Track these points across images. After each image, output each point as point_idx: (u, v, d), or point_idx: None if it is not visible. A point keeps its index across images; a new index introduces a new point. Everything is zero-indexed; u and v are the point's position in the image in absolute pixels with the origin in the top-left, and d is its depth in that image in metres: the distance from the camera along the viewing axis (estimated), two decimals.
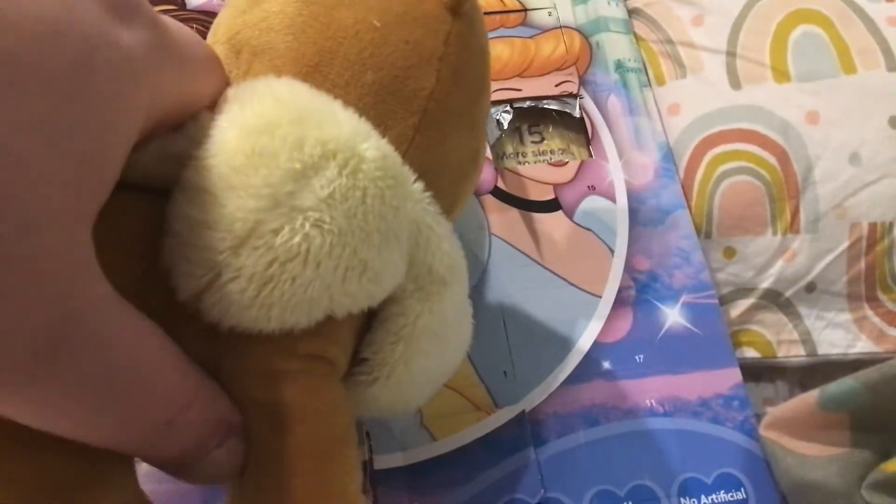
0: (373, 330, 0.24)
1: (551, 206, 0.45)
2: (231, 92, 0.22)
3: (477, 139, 0.29)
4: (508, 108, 0.48)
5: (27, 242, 0.13)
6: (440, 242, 0.25)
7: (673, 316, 0.42)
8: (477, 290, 0.41)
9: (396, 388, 0.25)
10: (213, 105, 0.22)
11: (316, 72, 0.23)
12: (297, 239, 0.19)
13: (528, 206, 0.44)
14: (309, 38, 0.24)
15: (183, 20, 0.28)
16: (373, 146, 0.21)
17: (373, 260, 0.21)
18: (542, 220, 0.44)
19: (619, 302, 0.42)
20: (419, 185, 0.24)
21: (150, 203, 0.20)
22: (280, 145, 0.19)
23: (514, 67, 0.49)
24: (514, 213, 0.44)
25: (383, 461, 0.37)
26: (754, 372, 0.43)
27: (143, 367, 0.18)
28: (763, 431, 0.38)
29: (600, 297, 0.42)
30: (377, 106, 0.24)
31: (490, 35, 0.50)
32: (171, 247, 0.19)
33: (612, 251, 0.43)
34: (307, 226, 0.19)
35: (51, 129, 0.13)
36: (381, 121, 0.24)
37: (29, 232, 0.13)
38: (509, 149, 0.47)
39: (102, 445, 0.18)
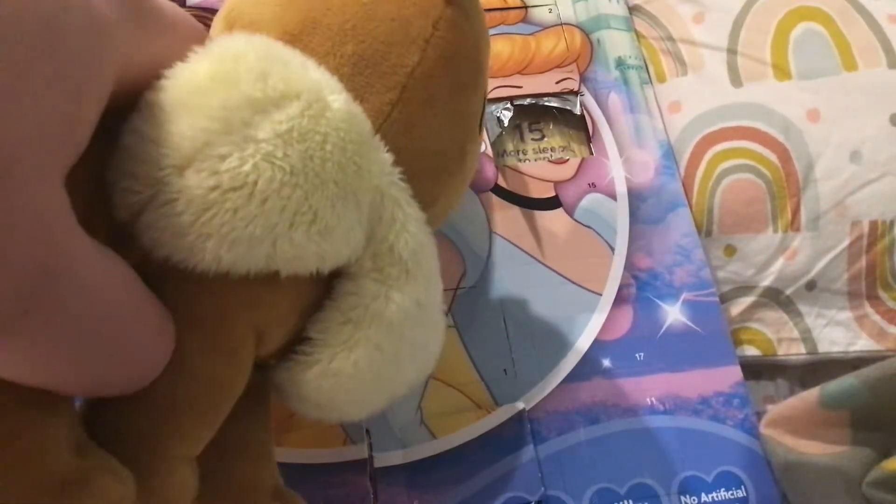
0: (323, 308, 0.23)
1: (552, 203, 0.44)
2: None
3: (464, 135, 0.28)
4: (509, 105, 0.48)
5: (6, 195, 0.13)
6: (406, 223, 0.24)
7: (673, 314, 0.42)
8: (477, 287, 0.41)
9: (335, 379, 0.23)
10: None
11: (296, 40, 0.23)
12: (245, 168, 0.18)
13: (528, 204, 0.44)
14: (295, 8, 0.24)
15: None
16: (341, 99, 0.21)
17: (325, 211, 0.20)
18: (543, 217, 0.44)
19: (619, 300, 0.42)
20: (389, 159, 0.24)
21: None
22: (244, 74, 0.19)
23: (515, 64, 0.49)
24: (514, 211, 0.44)
25: (383, 459, 0.37)
26: (755, 370, 0.43)
27: (126, 313, 0.17)
28: (763, 429, 0.38)
29: (600, 294, 0.42)
30: (354, 77, 0.24)
31: (491, 32, 0.50)
32: (116, 162, 0.19)
33: (612, 249, 0.43)
34: (258, 156, 0.19)
35: (21, 85, 0.13)
36: (358, 93, 0.24)
37: (1, 187, 0.13)
38: (510, 146, 0.47)
39: (86, 395, 0.18)
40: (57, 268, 0.15)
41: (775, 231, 0.44)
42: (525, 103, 0.48)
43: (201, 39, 0.21)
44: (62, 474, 0.17)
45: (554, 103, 0.48)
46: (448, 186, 0.29)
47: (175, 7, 0.21)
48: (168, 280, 0.19)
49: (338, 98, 0.21)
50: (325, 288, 0.23)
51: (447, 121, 0.27)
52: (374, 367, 0.23)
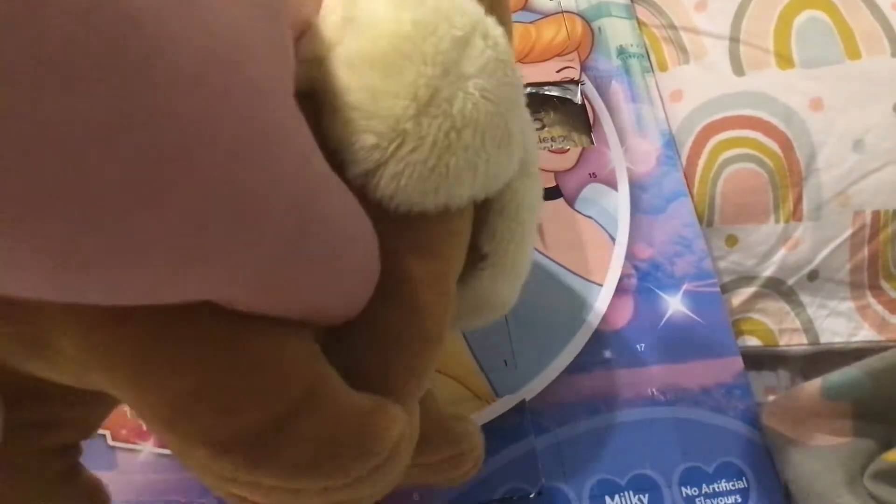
0: (488, 222, 0.25)
1: (552, 193, 0.44)
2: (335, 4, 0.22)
3: (512, 34, 0.30)
4: None
5: (268, 106, 0.13)
6: (529, 121, 0.26)
7: (674, 304, 0.42)
8: None
9: (516, 278, 0.26)
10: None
11: None
12: (469, 106, 0.20)
13: None
14: None
15: None
16: (493, 21, 0.22)
17: (514, 129, 0.22)
18: (543, 207, 0.43)
19: (620, 290, 0.42)
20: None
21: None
22: (436, 15, 0.20)
23: (515, 53, 0.48)
24: None
25: None
26: (756, 360, 0.43)
27: (359, 231, 0.19)
28: (765, 420, 0.38)
29: (601, 285, 0.42)
30: None
31: None
32: (347, 121, 0.19)
33: (613, 239, 0.43)
34: (476, 93, 0.20)
35: (244, 3, 0.13)
36: None
37: (267, 97, 0.13)
38: None
39: (315, 318, 0.19)
40: (319, 185, 0.16)
41: (777, 221, 0.44)
42: (525, 92, 0.48)
43: None
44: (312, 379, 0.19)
45: (555, 92, 0.48)
46: None
47: None
48: (385, 221, 0.20)
49: (491, 21, 0.22)
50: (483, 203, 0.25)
51: (509, 20, 0.28)
52: (527, 254, 0.27)
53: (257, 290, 0.16)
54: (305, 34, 0.21)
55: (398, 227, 0.21)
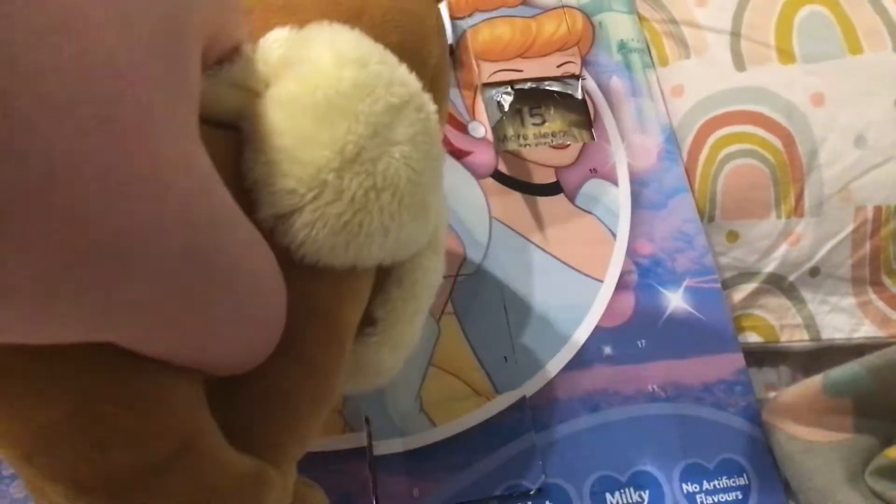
0: (386, 290, 0.25)
1: (553, 189, 0.44)
2: (286, 33, 0.22)
3: (444, 124, 0.31)
4: (509, 89, 0.47)
5: (150, 146, 0.13)
6: (444, 201, 0.26)
7: (675, 300, 0.41)
8: (477, 274, 0.41)
9: (401, 350, 0.26)
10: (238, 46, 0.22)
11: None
12: (391, 170, 0.20)
13: (529, 190, 0.44)
14: None
15: None
16: (429, 98, 0.22)
17: (432, 202, 0.22)
18: (544, 203, 0.44)
19: (620, 286, 0.41)
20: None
21: (214, 130, 0.20)
22: (376, 79, 0.20)
23: (516, 48, 0.48)
24: (514, 197, 0.44)
25: (383, 447, 0.36)
26: (757, 357, 0.43)
27: (265, 279, 0.18)
28: (766, 417, 0.38)
29: (602, 281, 0.42)
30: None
31: (491, 14, 0.49)
32: (268, 162, 0.19)
33: (613, 235, 0.43)
34: (400, 158, 0.20)
35: (138, 30, 0.13)
36: None
37: (151, 136, 0.13)
38: (510, 131, 0.47)
39: (223, 366, 0.18)
40: (214, 226, 0.15)
41: (778, 217, 0.43)
42: (526, 87, 0.48)
43: (244, 12, 0.22)
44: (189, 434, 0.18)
45: (555, 87, 0.48)
46: None
47: None
48: (290, 271, 0.20)
49: (428, 98, 0.22)
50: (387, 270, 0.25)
51: (445, 113, 0.29)
52: (420, 327, 0.26)
53: (143, 335, 0.15)
54: (236, 58, 0.21)
55: (301, 280, 0.20)
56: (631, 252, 0.43)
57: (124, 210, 0.12)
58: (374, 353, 0.25)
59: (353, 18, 0.24)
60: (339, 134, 0.19)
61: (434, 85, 0.26)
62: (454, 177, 0.43)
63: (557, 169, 0.45)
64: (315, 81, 0.20)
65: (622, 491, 0.37)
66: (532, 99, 0.48)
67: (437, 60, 0.26)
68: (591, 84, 0.48)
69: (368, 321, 0.25)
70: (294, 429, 0.21)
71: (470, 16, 0.49)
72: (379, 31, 0.24)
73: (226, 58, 0.20)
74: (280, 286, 0.19)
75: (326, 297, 0.21)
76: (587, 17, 0.50)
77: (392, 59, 0.22)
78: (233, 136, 0.20)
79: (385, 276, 0.25)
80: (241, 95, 0.20)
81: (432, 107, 0.22)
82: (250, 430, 0.20)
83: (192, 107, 0.15)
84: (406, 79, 0.21)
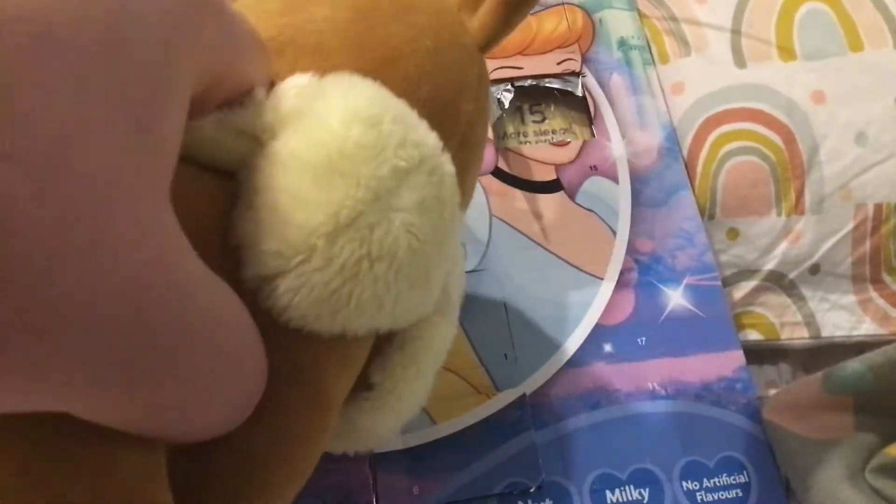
0: (385, 354, 0.23)
1: (553, 186, 0.44)
2: (305, 80, 0.20)
3: (477, 174, 0.29)
4: (509, 86, 0.47)
5: (95, 216, 0.12)
6: (460, 263, 0.25)
7: (675, 298, 0.41)
8: (477, 271, 0.41)
9: (397, 414, 0.24)
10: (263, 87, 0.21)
11: (375, 79, 0.22)
12: (390, 238, 0.19)
13: (529, 187, 0.44)
14: (366, 44, 0.23)
15: None
16: (447, 160, 0.21)
17: (435, 272, 0.21)
18: (544, 200, 0.43)
19: (621, 284, 0.41)
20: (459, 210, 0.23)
21: (213, 178, 0.19)
22: (385, 141, 0.19)
23: (515, 45, 0.48)
24: (515, 194, 0.43)
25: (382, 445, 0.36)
26: (757, 354, 0.43)
27: (239, 346, 0.17)
28: (766, 414, 0.38)
29: (602, 278, 0.42)
30: (430, 121, 0.22)
31: None
32: (258, 219, 0.18)
33: (614, 232, 0.43)
34: (401, 226, 0.19)
35: (95, 88, 0.12)
36: None
37: (97, 204, 0.12)
38: (510, 128, 0.47)
39: (189, 437, 0.17)
40: (174, 293, 0.14)
41: (779, 214, 0.43)
42: (526, 85, 0.47)
43: (265, 50, 0.21)
44: None
45: (555, 84, 0.48)
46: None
47: (239, 11, 0.19)
48: (271, 335, 0.19)
49: (446, 159, 0.21)
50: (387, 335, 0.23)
51: (477, 163, 0.28)
52: (423, 392, 0.25)
53: (87, 412, 0.14)
54: (248, 101, 0.19)
55: (284, 344, 0.19)
56: (631, 249, 0.42)
57: (59, 283, 0.11)
58: (369, 419, 0.24)
59: (384, 67, 0.23)
60: (336, 197, 0.18)
61: (465, 140, 0.25)
62: None
63: (558, 166, 0.45)
64: (319, 138, 0.19)
65: (622, 489, 0.37)
66: (532, 96, 0.48)
67: (471, 115, 0.25)
68: (591, 81, 0.48)
69: (365, 385, 0.23)
70: (267, 499, 0.20)
71: None
72: (410, 83, 0.23)
73: (236, 100, 0.19)
74: (257, 354, 0.18)
75: (311, 363, 0.20)
76: (587, 14, 0.50)
77: (412, 116, 0.21)
78: (230, 185, 0.19)
79: (386, 340, 0.23)
80: (245, 143, 0.19)
81: (449, 168, 0.21)
82: (220, 499, 0.19)
83: (161, 165, 0.14)
84: (423, 139, 0.20)
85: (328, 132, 0.19)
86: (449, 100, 0.24)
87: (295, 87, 0.20)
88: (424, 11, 0.25)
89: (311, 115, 0.19)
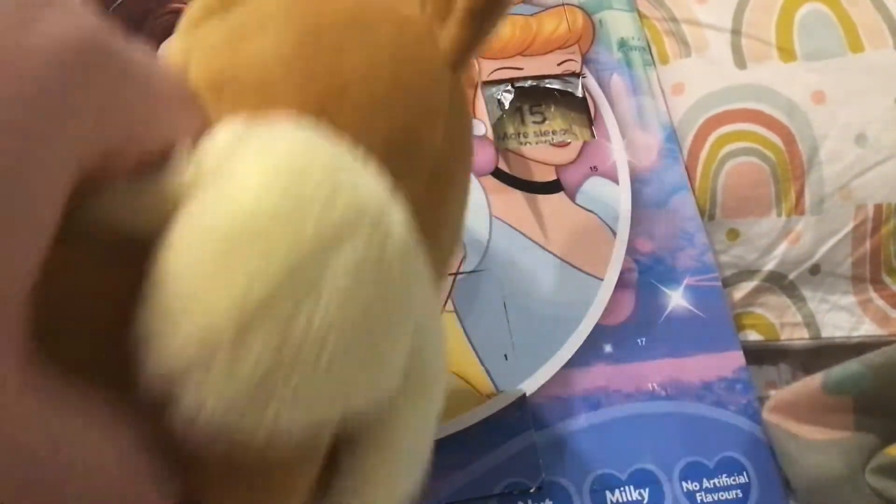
0: (357, 444, 0.20)
1: (553, 187, 0.44)
2: (232, 129, 0.18)
3: (463, 211, 0.26)
4: (509, 87, 0.47)
5: None
6: (441, 334, 0.22)
7: (676, 298, 0.41)
8: (478, 272, 0.41)
9: None
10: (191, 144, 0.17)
11: (323, 113, 0.19)
12: (316, 320, 0.16)
13: (529, 188, 0.44)
14: (312, 75, 0.20)
15: None
16: (398, 214, 0.18)
17: (388, 348, 0.17)
18: (544, 201, 0.43)
19: (621, 284, 0.41)
20: (426, 269, 0.20)
21: (121, 259, 0.16)
22: (307, 203, 0.16)
23: (516, 46, 0.48)
24: (515, 195, 0.44)
25: None
26: (757, 355, 0.43)
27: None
28: (766, 415, 0.38)
29: (602, 279, 0.42)
30: (388, 161, 0.19)
31: None
32: (159, 311, 0.15)
33: (614, 233, 0.43)
34: (330, 306, 0.16)
35: None
36: (391, 181, 0.19)
37: None
38: (510, 129, 0.47)
39: None
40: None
41: (779, 215, 0.43)
42: (526, 85, 0.47)
43: (192, 101, 0.18)
44: None
45: (555, 85, 0.48)
46: (451, 263, 0.26)
47: (158, 61, 0.17)
48: (192, 438, 0.16)
49: (396, 212, 0.17)
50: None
51: (460, 199, 0.25)
52: (411, 482, 0.21)
53: None
54: (170, 160, 0.16)
55: (204, 453, 0.16)
56: (631, 250, 0.42)
57: None
58: None
59: (331, 99, 0.20)
60: (241, 281, 0.15)
61: (437, 174, 0.22)
62: None
63: (558, 167, 0.45)
64: (227, 206, 0.15)
65: (622, 489, 0.37)
66: (532, 97, 0.48)
67: (442, 144, 0.22)
68: (591, 82, 0.48)
69: (339, 488, 0.19)
70: None
71: None
72: (362, 115, 0.20)
73: (156, 160, 0.16)
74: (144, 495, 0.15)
75: (246, 469, 0.17)
76: (587, 14, 0.50)
77: (349, 163, 0.17)
78: (144, 264, 0.16)
79: (355, 428, 0.19)
80: (162, 211, 0.16)
81: (398, 219, 0.17)
82: None
83: (25, 251, 0.12)
84: (361, 191, 0.17)
85: (239, 196, 0.16)
86: (411, 129, 0.21)
87: (220, 139, 0.17)
88: (381, 28, 0.22)
89: (225, 176, 0.16)
